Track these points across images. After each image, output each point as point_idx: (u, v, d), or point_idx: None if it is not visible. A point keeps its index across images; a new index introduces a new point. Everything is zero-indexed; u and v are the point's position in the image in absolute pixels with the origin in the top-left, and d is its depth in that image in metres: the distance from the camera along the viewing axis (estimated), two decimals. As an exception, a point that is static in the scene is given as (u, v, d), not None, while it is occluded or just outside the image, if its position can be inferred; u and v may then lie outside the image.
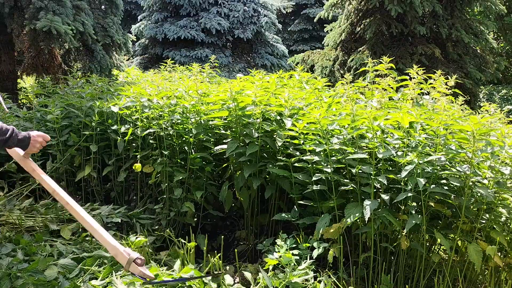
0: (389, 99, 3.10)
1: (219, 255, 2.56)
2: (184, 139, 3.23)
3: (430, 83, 2.98)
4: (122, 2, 7.70)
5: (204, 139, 3.20)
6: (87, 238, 2.84)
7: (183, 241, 2.71)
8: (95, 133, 3.67)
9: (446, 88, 2.88)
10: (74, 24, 5.87)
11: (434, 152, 2.38)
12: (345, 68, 9.77)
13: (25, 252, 2.52)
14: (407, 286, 2.47)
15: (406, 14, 8.98)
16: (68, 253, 2.57)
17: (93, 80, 4.32)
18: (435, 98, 2.99)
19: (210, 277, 2.24)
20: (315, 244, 2.46)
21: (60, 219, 3.11)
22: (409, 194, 2.26)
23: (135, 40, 14.74)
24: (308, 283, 2.22)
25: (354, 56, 9.46)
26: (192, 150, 3.20)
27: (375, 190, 2.43)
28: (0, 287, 2.08)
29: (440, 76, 2.91)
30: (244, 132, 2.92)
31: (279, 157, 2.83)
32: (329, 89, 4.05)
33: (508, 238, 2.50)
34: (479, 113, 3.52)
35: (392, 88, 3.07)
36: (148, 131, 3.27)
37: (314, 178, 2.55)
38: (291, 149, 2.83)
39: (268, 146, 2.92)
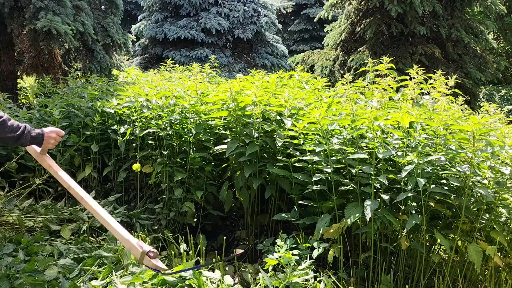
0: (389, 99, 3.10)
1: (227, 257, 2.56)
2: (183, 139, 3.23)
3: (430, 83, 2.97)
4: (122, 2, 7.70)
5: (204, 139, 3.20)
6: (87, 238, 2.85)
7: (182, 243, 2.71)
8: (95, 133, 3.67)
9: (446, 88, 2.88)
10: (74, 24, 5.87)
11: (434, 152, 2.38)
12: (345, 68, 9.77)
13: (26, 252, 2.52)
14: (407, 286, 2.47)
15: (406, 14, 8.98)
16: (68, 253, 2.57)
17: (93, 80, 4.32)
18: (435, 98, 2.99)
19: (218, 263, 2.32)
20: (315, 244, 2.46)
21: (60, 219, 3.11)
22: (409, 194, 2.26)
23: (135, 40, 14.74)
24: (308, 283, 2.22)
25: (354, 56, 9.47)
26: (192, 150, 3.20)
27: (375, 190, 2.43)
28: (-1, 287, 2.08)
29: (440, 76, 2.91)
30: (244, 132, 2.92)
31: (279, 157, 2.83)
32: (329, 89, 4.04)
33: (508, 238, 2.50)
34: (479, 113, 3.52)
35: (392, 88, 3.07)
36: (147, 131, 3.27)
37: (314, 178, 2.55)
38: (291, 149, 2.83)
39: (268, 146, 2.92)
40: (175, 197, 3.11)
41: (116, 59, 7.62)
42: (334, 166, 2.53)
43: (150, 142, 3.48)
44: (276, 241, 2.49)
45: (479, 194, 2.37)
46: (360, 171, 2.47)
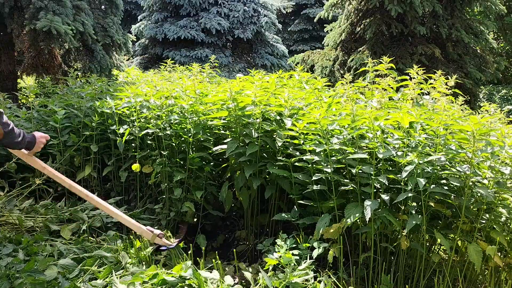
0: (389, 99, 3.10)
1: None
2: (183, 139, 3.23)
3: (430, 83, 2.97)
4: (122, 2, 7.71)
5: (203, 139, 3.20)
6: (87, 238, 2.85)
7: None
8: (95, 133, 3.67)
9: (446, 88, 2.88)
10: (74, 24, 5.87)
11: (434, 152, 2.38)
12: (345, 68, 9.77)
13: (26, 252, 2.52)
14: (407, 286, 2.47)
15: (406, 14, 8.98)
16: (68, 253, 2.57)
17: (93, 80, 4.32)
18: (435, 98, 2.99)
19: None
20: (315, 244, 2.46)
21: (60, 219, 3.11)
22: (409, 194, 2.26)
23: (135, 40, 14.75)
24: (308, 283, 2.22)
25: (354, 56, 9.47)
26: (191, 150, 3.20)
27: (375, 190, 2.43)
28: (-1, 287, 2.08)
29: (440, 76, 2.91)
30: (244, 132, 2.91)
31: (279, 157, 2.82)
32: (329, 89, 4.04)
33: (508, 238, 2.50)
34: (479, 113, 3.52)
35: (392, 88, 3.06)
36: (145, 131, 3.27)
37: (314, 178, 2.55)
38: (291, 149, 2.83)
39: (268, 146, 2.92)
40: (175, 197, 3.10)
41: (116, 59, 7.62)
42: (334, 166, 2.53)
43: (149, 142, 3.48)
44: (276, 241, 2.49)
45: (479, 194, 2.37)
46: (360, 171, 2.47)
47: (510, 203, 2.48)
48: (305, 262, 2.34)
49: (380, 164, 2.47)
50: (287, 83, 3.87)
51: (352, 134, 2.55)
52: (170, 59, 6.03)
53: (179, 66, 5.80)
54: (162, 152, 3.22)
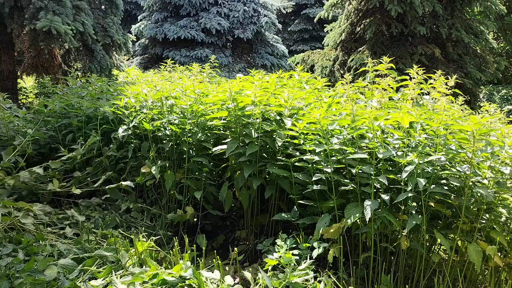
0: (389, 99, 3.10)
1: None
2: (182, 139, 3.23)
3: (430, 83, 2.97)
4: (122, 2, 7.71)
5: (203, 139, 3.20)
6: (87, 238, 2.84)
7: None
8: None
9: (446, 88, 2.88)
10: (74, 24, 5.87)
11: (434, 152, 2.38)
12: (345, 68, 9.77)
13: (26, 252, 2.52)
14: (407, 286, 2.47)
15: (406, 14, 8.98)
16: (68, 253, 2.57)
17: (93, 80, 4.32)
18: (435, 98, 2.99)
19: None
20: (315, 244, 2.46)
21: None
22: (409, 194, 2.26)
23: (135, 40, 14.74)
24: (308, 283, 2.22)
25: (354, 56, 9.46)
26: (191, 150, 3.20)
27: (375, 190, 2.43)
28: (-1, 287, 2.08)
29: (440, 76, 2.91)
30: (244, 132, 2.91)
31: (279, 157, 2.82)
32: (329, 89, 4.04)
33: (508, 238, 2.50)
34: (479, 113, 3.51)
35: (392, 88, 3.06)
36: (145, 131, 3.26)
37: (314, 178, 2.55)
38: (291, 149, 2.83)
39: (268, 146, 2.92)
40: (175, 197, 3.10)
41: (116, 59, 7.62)
42: (334, 166, 2.53)
43: (149, 142, 3.48)
44: (276, 241, 2.49)
45: (479, 194, 2.37)
46: (360, 171, 2.47)
47: (510, 203, 2.48)
48: (305, 262, 2.34)
49: (380, 164, 2.47)
50: (287, 83, 3.87)
51: (352, 134, 2.55)
52: (170, 59, 6.03)
53: (179, 66, 5.80)
54: (161, 152, 3.22)
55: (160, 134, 3.21)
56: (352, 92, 3.21)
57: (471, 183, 2.33)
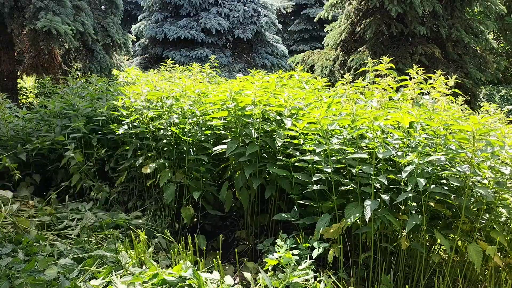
0: (389, 99, 3.10)
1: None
2: (182, 139, 3.23)
3: (430, 83, 2.97)
4: (122, 2, 7.71)
5: (203, 139, 3.20)
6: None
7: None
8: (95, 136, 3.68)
9: (446, 88, 2.88)
10: (74, 24, 5.88)
11: (434, 152, 2.38)
12: (345, 68, 9.77)
13: (26, 252, 2.52)
14: (407, 286, 2.47)
15: (406, 14, 8.98)
16: (68, 253, 2.57)
17: (93, 80, 4.32)
18: (435, 98, 2.99)
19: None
20: (315, 244, 2.46)
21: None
22: (409, 195, 2.26)
23: (135, 40, 14.75)
24: (308, 283, 2.22)
25: (354, 56, 9.47)
26: (191, 150, 3.20)
27: (375, 190, 2.43)
28: (-1, 287, 2.08)
29: (440, 76, 2.91)
30: (244, 132, 2.92)
31: (279, 157, 2.82)
32: (329, 89, 4.04)
33: (508, 238, 2.50)
34: (479, 113, 3.51)
35: (392, 88, 3.06)
36: (145, 132, 3.26)
37: (314, 178, 2.55)
38: (291, 149, 2.83)
39: (268, 146, 2.92)
40: (174, 198, 3.10)
41: (116, 59, 7.62)
42: (334, 166, 2.53)
43: (148, 142, 3.48)
44: (276, 241, 2.49)
45: (479, 194, 2.37)
46: (360, 171, 2.47)
47: (510, 203, 2.48)
48: (305, 262, 2.34)
49: (380, 164, 2.47)
50: (287, 83, 3.87)
51: (352, 134, 2.55)
52: (170, 59, 6.03)
53: (179, 66, 5.80)
54: (161, 152, 3.22)
55: (160, 134, 3.21)
56: (352, 92, 3.22)
57: (471, 183, 2.33)
